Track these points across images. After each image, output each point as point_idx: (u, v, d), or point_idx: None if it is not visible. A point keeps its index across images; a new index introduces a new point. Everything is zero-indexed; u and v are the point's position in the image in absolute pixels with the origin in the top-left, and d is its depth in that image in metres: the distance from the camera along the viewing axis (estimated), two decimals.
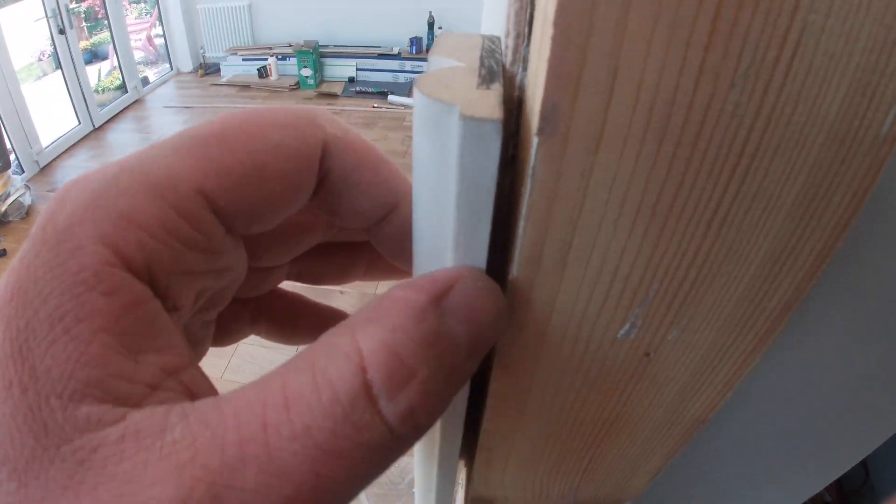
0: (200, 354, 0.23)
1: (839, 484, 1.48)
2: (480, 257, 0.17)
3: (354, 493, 0.14)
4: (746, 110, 0.13)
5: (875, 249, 0.20)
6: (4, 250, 3.14)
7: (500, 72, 0.17)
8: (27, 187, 3.52)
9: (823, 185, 0.14)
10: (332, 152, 0.19)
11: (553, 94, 0.12)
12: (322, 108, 0.20)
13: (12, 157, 3.56)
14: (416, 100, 0.15)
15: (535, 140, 0.13)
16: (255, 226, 0.18)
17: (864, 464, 1.45)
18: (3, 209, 3.34)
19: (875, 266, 0.21)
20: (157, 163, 0.16)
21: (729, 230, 0.15)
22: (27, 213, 3.43)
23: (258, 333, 0.27)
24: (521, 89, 0.17)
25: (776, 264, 0.16)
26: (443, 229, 0.16)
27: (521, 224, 0.15)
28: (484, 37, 0.20)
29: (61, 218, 0.15)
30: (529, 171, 0.14)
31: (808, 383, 0.27)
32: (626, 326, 0.18)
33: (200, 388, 0.16)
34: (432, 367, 0.14)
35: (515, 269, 0.16)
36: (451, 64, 0.17)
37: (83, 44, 4.53)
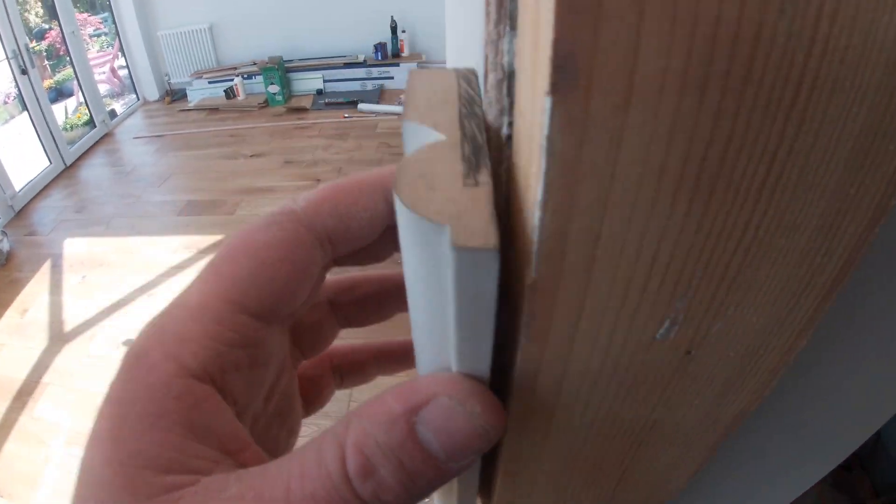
0: (296, 426, 0.29)
1: None
2: (484, 364, 0.17)
3: None
4: (799, 42, 0.10)
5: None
6: None
7: (484, 143, 0.16)
8: (4, 233, 3.48)
9: (882, 127, 0.12)
10: (315, 219, 0.23)
11: (567, 35, 0.10)
12: (292, 200, 0.23)
13: None
14: (400, 211, 0.14)
15: (546, 102, 0.11)
16: (279, 312, 0.23)
17: None
18: None
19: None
20: (192, 293, 0.21)
21: (782, 195, 0.13)
22: (6, 259, 3.39)
23: (342, 387, 0.33)
24: (511, 54, 0.15)
25: (829, 230, 0.14)
26: (442, 335, 0.17)
27: (538, 215, 0.12)
28: (458, 75, 0.20)
29: (139, 345, 0.20)
30: (542, 145, 0.11)
31: (818, 360, 0.25)
32: (666, 324, 0.16)
33: (255, 460, 0.20)
34: (392, 469, 0.17)
35: (534, 271, 0.14)
36: (430, 136, 0.16)
37: (47, 82, 4.50)
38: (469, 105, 0.18)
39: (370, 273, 0.30)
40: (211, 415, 0.20)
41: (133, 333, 2.41)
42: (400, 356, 0.33)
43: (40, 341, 2.81)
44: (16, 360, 2.72)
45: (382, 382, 0.26)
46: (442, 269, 0.14)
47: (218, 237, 3.26)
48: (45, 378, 2.62)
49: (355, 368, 0.33)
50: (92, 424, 0.20)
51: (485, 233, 0.13)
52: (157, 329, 0.21)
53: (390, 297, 0.30)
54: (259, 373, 0.23)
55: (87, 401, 2.48)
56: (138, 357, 0.20)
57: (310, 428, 0.26)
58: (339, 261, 0.25)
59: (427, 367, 0.20)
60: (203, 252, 3.16)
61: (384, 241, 0.25)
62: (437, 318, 0.16)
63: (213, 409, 0.20)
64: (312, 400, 0.31)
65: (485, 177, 0.15)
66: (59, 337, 2.82)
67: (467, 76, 0.20)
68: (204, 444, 0.19)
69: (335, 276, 0.28)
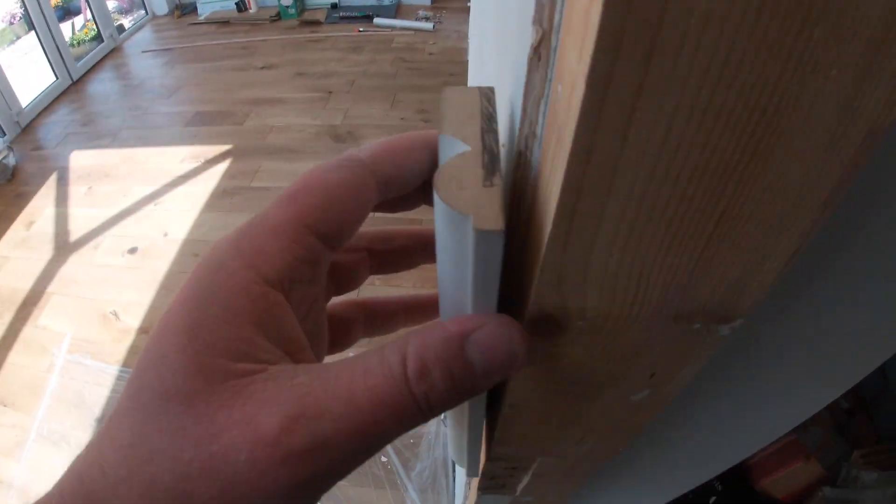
0: (322, 352, 0.30)
1: (857, 390, 1.42)
2: (492, 310, 0.23)
3: (395, 433, 0.21)
4: None
5: None
6: None
7: (498, 154, 0.22)
8: (10, 149, 3.42)
9: None
10: (375, 167, 0.26)
11: None
12: (357, 150, 0.27)
13: None
14: (437, 203, 0.20)
15: None
16: (341, 239, 0.26)
17: (882, 370, 1.38)
18: None
19: None
20: (270, 214, 0.24)
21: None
22: (12, 174, 3.34)
23: (368, 334, 0.35)
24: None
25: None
26: (463, 290, 0.22)
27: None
28: (481, 94, 0.25)
29: (215, 257, 0.23)
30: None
31: (825, 293, 0.27)
32: None
33: (309, 360, 0.24)
34: (443, 375, 0.21)
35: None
36: (459, 147, 0.22)
37: (54, 1, 4.36)
38: (488, 122, 0.23)
39: (404, 228, 0.34)
40: (280, 318, 0.23)
41: (138, 241, 2.39)
42: (426, 309, 0.37)
43: (45, 252, 2.76)
44: (21, 272, 2.69)
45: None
46: (466, 243, 0.20)
47: (226, 146, 3.17)
48: (50, 288, 2.58)
49: (385, 318, 0.36)
50: (160, 322, 0.22)
51: (496, 220, 0.19)
52: (234, 243, 0.23)
53: (419, 251, 0.34)
54: (313, 289, 0.26)
55: (92, 308, 2.45)
56: (216, 265, 0.23)
57: None
58: (380, 206, 0.29)
59: (450, 314, 0.24)
60: (210, 162, 3.08)
61: (417, 192, 0.29)
62: (459, 277, 0.22)
63: (281, 313, 0.23)
64: (339, 340, 0.34)
65: (497, 179, 0.20)
66: (64, 247, 2.76)
67: (488, 94, 0.25)
68: (271, 342, 0.22)
69: (375, 227, 0.33)
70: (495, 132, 0.23)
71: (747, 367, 0.33)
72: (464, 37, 3.93)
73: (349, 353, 0.26)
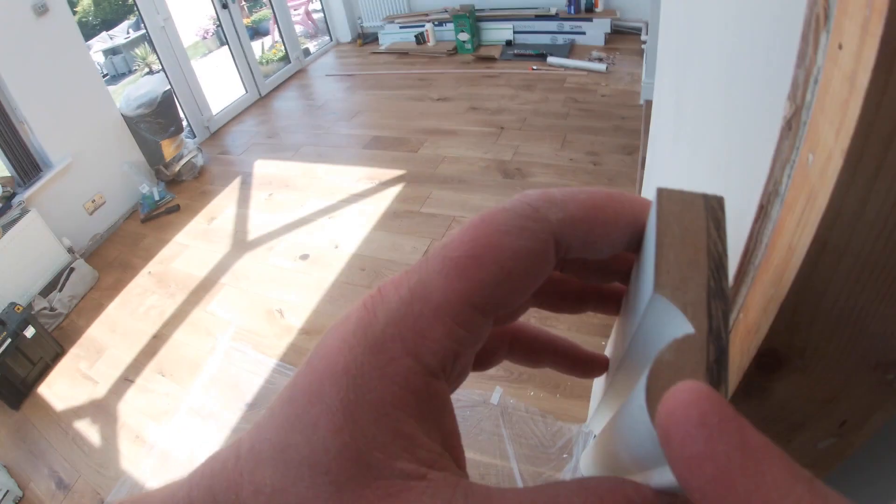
0: (458, 384, 0.26)
1: None
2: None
3: None
4: None
5: None
6: (178, 206, 3.29)
7: (727, 343, 0.18)
8: (199, 150, 3.70)
9: None
10: (563, 236, 0.22)
11: None
12: (538, 195, 0.23)
13: (185, 123, 3.73)
14: (643, 407, 0.17)
15: None
16: (509, 309, 0.23)
17: None
18: (178, 169, 3.51)
19: None
20: (434, 289, 0.21)
21: None
22: (199, 172, 3.61)
23: (511, 360, 0.32)
24: None
25: None
26: (645, 472, 0.19)
27: None
28: (706, 210, 0.20)
29: (377, 330, 0.21)
30: None
31: None
32: None
33: (460, 456, 0.22)
34: None
35: None
36: (676, 326, 0.18)
37: (245, 21, 4.72)
38: (717, 270, 0.19)
39: (547, 335, 0.32)
40: (439, 411, 0.21)
41: (310, 249, 2.47)
42: (578, 362, 0.33)
43: (223, 246, 2.93)
44: (198, 260, 2.87)
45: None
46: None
47: (400, 171, 3.26)
48: (223, 279, 2.73)
49: (531, 352, 0.32)
50: (310, 368, 0.21)
51: None
52: (396, 317, 0.21)
53: (553, 358, 0.32)
54: (468, 362, 0.24)
55: (259, 303, 2.56)
56: (377, 344, 0.21)
57: None
58: (534, 302, 0.30)
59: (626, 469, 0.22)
60: (384, 184, 3.16)
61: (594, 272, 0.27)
62: (646, 464, 0.19)
63: (441, 405, 0.21)
64: (482, 362, 0.31)
65: (723, 390, 0.17)
66: (240, 244, 2.92)
67: (716, 211, 0.20)
68: (430, 437, 0.21)
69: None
70: (726, 295, 0.19)
71: None
72: (637, 80, 3.86)
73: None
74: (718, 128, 0.42)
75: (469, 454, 1.73)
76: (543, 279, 0.23)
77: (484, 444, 1.83)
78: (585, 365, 0.33)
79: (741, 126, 0.29)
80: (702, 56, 0.54)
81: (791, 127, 0.21)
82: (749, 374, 0.24)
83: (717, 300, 0.18)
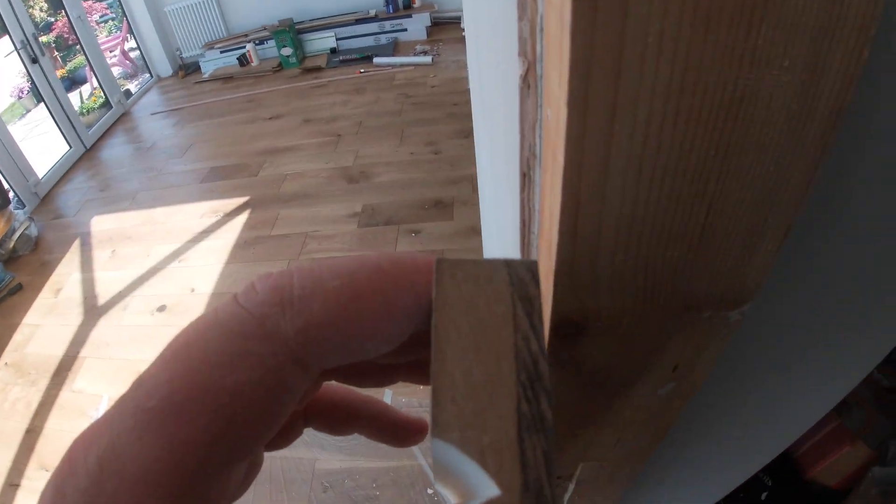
0: (255, 469, 0.23)
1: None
2: None
3: None
4: None
5: None
6: (20, 284, 3.10)
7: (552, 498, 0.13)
8: (31, 219, 3.48)
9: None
10: (308, 353, 0.17)
11: None
12: (269, 289, 0.18)
13: (11, 194, 3.52)
14: None
15: None
16: (246, 459, 0.18)
17: None
18: (12, 245, 3.31)
19: None
20: (127, 457, 0.16)
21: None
22: (35, 244, 3.40)
23: (313, 428, 0.28)
24: None
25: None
26: None
27: None
28: (511, 286, 0.16)
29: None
30: None
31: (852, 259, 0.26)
32: None
33: None
34: None
35: None
36: (478, 478, 0.12)
37: (59, 72, 4.48)
38: (532, 389, 0.13)
39: (346, 394, 0.28)
40: None
41: (165, 299, 2.43)
42: (390, 432, 0.28)
43: (75, 317, 2.79)
44: (53, 339, 2.72)
45: None
46: None
47: (244, 198, 3.22)
48: (83, 352, 2.60)
49: (332, 423, 0.28)
50: None
51: None
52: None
53: (358, 422, 0.28)
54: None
55: (125, 368, 2.46)
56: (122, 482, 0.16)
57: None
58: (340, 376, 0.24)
59: None
60: (229, 215, 3.11)
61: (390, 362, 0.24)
62: None
63: None
64: (276, 442, 0.25)
65: None
66: (93, 311, 2.79)
67: (524, 283, 0.16)
68: None
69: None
70: (544, 419, 0.14)
71: (777, 352, 0.33)
72: (463, 66, 3.99)
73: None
74: (495, 99, 0.39)
75: (376, 463, 1.81)
76: (290, 410, 0.18)
77: (387, 450, 1.87)
78: (400, 432, 0.28)
79: (496, 91, 0.25)
80: (477, 29, 0.56)
81: (529, 84, 0.20)
82: (554, 347, 0.23)
83: (532, 434, 0.13)
